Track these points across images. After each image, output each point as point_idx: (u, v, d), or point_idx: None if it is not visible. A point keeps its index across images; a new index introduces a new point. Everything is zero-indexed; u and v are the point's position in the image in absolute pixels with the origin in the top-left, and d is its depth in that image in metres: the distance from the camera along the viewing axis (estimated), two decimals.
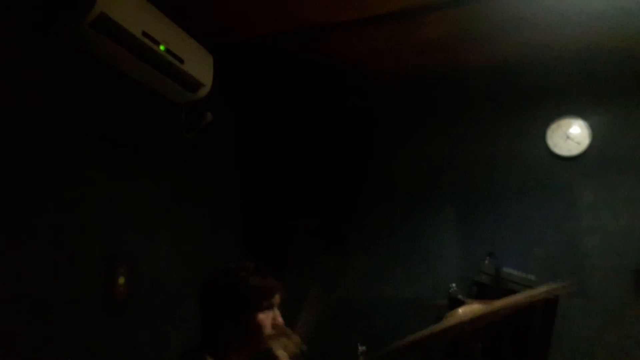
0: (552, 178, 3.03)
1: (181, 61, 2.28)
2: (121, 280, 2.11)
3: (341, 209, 3.26)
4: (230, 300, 1.53)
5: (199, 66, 2.42)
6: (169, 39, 2.20)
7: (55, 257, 1.87)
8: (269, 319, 1.55)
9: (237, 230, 3.02)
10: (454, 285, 1.81)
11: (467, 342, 1.80)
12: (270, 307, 1.57)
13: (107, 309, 2.06)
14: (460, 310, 1.65)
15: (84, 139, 2.05)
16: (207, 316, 1.56)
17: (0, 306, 1.66)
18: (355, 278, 3.22)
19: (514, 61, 3.08)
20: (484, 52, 2.98)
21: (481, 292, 2.60)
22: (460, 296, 1.77)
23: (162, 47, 2.16)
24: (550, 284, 2.55)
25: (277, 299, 1.59)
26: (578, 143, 3.00)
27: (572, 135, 3.02)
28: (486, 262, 2.67)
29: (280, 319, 1.58)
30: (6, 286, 1.68)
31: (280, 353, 1.55)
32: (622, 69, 2.99)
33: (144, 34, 2.06)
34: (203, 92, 2.49)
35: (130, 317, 2.17)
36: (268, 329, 1.54)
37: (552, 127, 3.05)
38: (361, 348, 2.08)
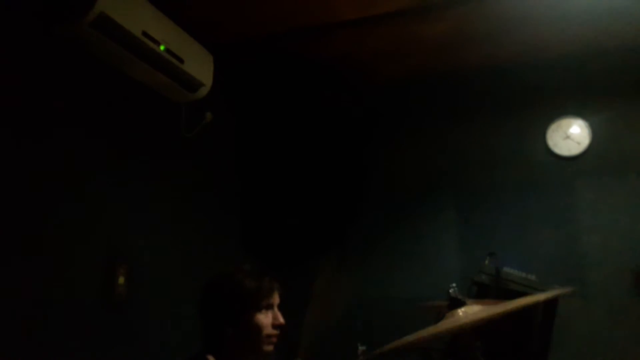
0: (552, 178, 3.03)
1: (181, 61, 2.28)
2: (121, 280, 2.12)
3: (341, 209, 3.25)
4: (228, 303, 1.53)
5: (199, 66, 2.43)
6: (169, 39, 2.21)
7: (55, 256, 1.87)
8: (268, 318, 1.55)
9: (237, 230, 3.02)
10: (454, 285, 1.80)
11: (467, 341, 1.80)
12: (269, 307, 1.56)
13: (107, 309, 2.06)
14: (461, 312, 1.65)
15: (83, 139, 2.05)
16: (208, 321, 1.56)
17: (0, 306, 1.66)
18: (355, 278, 3.22)
19: (514, 61, 3.08)
20: (484, 52, 2.98)
21: (481, 292, 2.59)
22: (460, 296, 1.77)
23: (162, 47, 2.16)
24: (551, 289, 2.56)
25: (275, 298, 1.59)
26: (578, 143, 3.00)
27: (572, 135, 3.02)
28: (486, 262, 2.67)
29: (281, 319, 1.57)
30: (6, 286, 1.68)
31: None
32: (622, 69, 2.98)
33: (144, 34, 2.07)
34: (203, 92, 2.50)
35: (130, 317, 2.17)
36: (268, 329, 1.54)
37: (552, 127, 3.05)
38: (361, 348, 2.08)
